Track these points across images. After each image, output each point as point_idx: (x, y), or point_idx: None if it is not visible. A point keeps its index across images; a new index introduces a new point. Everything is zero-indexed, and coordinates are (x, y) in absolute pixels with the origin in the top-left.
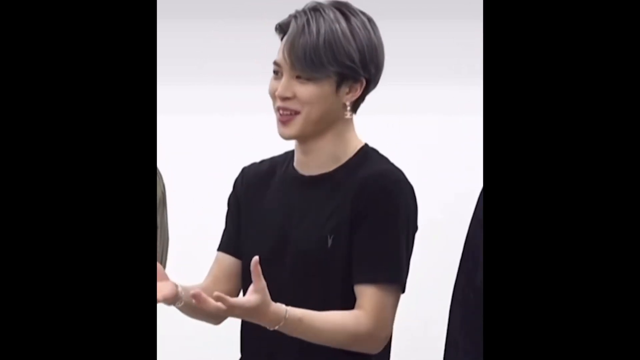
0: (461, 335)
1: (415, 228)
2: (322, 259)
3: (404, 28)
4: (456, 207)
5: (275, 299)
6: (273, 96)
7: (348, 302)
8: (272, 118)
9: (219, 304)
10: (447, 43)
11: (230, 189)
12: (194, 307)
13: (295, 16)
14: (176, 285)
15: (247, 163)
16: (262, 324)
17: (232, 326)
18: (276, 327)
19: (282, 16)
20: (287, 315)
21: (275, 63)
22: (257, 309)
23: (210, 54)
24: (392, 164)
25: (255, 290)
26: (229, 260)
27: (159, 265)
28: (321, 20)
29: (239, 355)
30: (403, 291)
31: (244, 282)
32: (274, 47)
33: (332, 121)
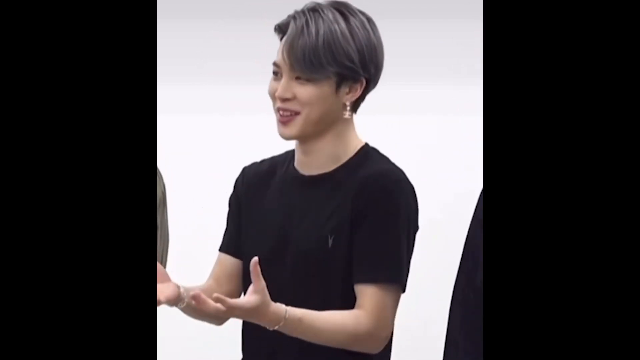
0: (461, 335)
1: (416, 228)
2: (323, 259)
3: (404, 28)
4: (456, 207)
5: (275, 299)
6: (273, 97)
7: (348, 302)
8: (272, 118)
9: (219, 305)
10: (447, 43)
11: (230, 189)
12: (195, 308)
13: (294, 17)
14: (178, 287)
15: (247, 163)
16: (262, 324)
17: (234, 327)
18: (276, 327)
19: (282, 16)
20: (287, 315)
21: (274, 64)
22: (257, 309)
23: (210, 54)
24: (393, 164)
25: (255, 291)
26: (230, 260)
27: (160, 266)
28: (320, 21)
29: (240, 356)
30: (403, 291)
31: (245, 282)
32: (274, 47)
33: (332, 121)
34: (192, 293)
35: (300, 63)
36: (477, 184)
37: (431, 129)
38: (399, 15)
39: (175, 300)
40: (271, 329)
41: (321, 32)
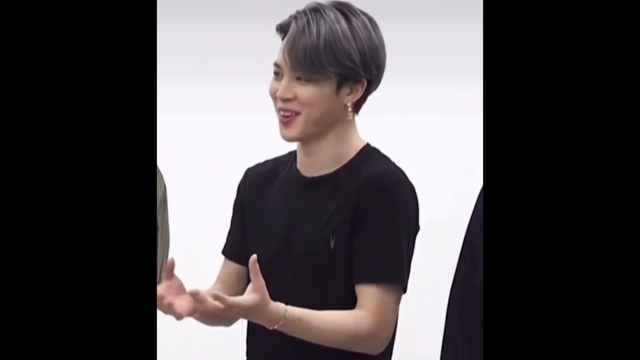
0: (459, 334)
1: (417, 228)
2: (325, 260)
3: (404, 28)
4: (456, 207)
5: (277, 299)
6: (274, 97)
7: (350, 303)
8: (272, 118)
9: (217, 303)
10: (447, 43)
11: (230, 189)
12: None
13: (295, 17)
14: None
15: (247, 163)
16: (261, 323)
17: (234, 326)
18: (275, 327)
19: (282, 16)
20: (286, 315)
21: (275, 64)
22: (256, 308)
23: (210, 54)
24: (394, 164)
25: (254, 289)
26: (234, 265)
27: (177, 277)
28: (322, 21)
29: (241, 356)
30: (405, 291)
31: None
32: (274, 47)
33: (333, 122)
34: (190, 290)
35: (301, 63)
36: (477, 184)
37: (431, 129)
38: (399, 15)
39: (193, 311)
40: (270, 328)
41: (322, 32)
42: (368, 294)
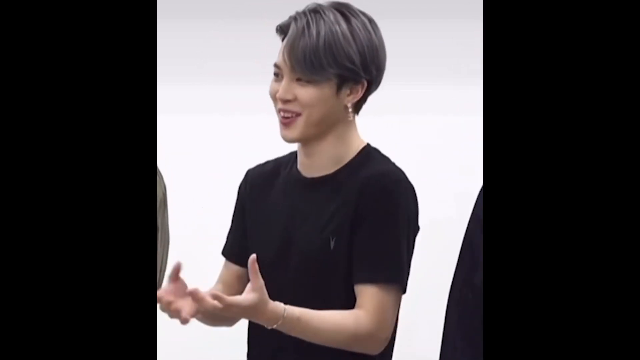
0: (458, 334)
1: (417, 229)
2: (325, 261)
3: (404, 28)
4: (456, 207)
5: (278, 300)
6: (274, 98)
7: (350, 304)
8: (272, 118)
9: (216, 302)
10: (447, 43)
11: (230, 189)
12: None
13: (295, 18)
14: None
15: (247, 163)
16: (260, 323)
17: (234, 327)
18: (274, 326)
19: (282, 16)
20: (285, 314)
21: (275, 65)
22: (255, 307)
23: (210, 54)
24: (394, 164)
25: (253, 289)
26: (235, 266)
27: (182, 279)
28: (321, 22)
29: (240, 355)
30: (404, 291)
31: None
32: (274, 47)
33: (333, 123)
34: (188, 289)
35: (301, 64)
36: (477, 184)
37: (431, 129)
38: (399, 15)
39: (196, 312)
40: (269, 327)
41: (322, 33)
42: (368, 294)
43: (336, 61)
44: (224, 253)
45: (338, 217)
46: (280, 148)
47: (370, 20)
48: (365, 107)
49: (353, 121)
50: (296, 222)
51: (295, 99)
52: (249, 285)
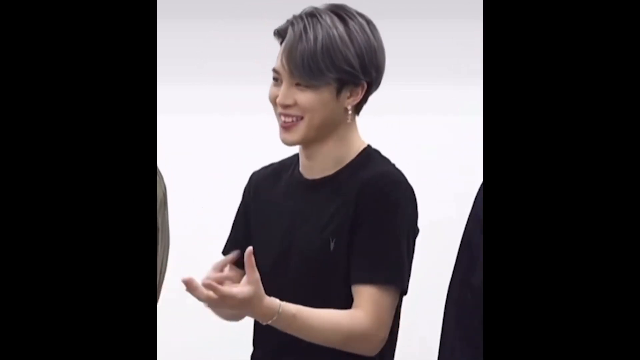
0: (456, 335)
1: (416, 231)
2: (325, 262)
3: (404, 28)
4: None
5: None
6: (274, 103)
7: (350, 304)
8: (272, 118)
9: (210, 292)
10: (447, 43)
11: (230, 189)
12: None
13: (292, 22)
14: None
15: (247, 163)
16: (255, 318)
17: (234, 326)
18: (269, 322)
19: (282, 16)
20: (280, 310)
21: (274, 70)
22: (250, 300)
23: (210, 54)
24: (393, 166)
25: (249, 282)
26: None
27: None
28: (318, 26)
29: (240, 355)
30: (405, 293)
31: None
32: (274, 47)
33: (334, 125)
34: (183, 278)
35: (300, 69)
36: (477, 184)
37: (431, 129)
38: (399, 15)
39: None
40: (264, 323)
41: (319, 37)
42: (365, 294)
43: (335, 65)
44: (224, 253)
45: (338, 217)
46: (280, 148)
47: (368, 22)
48: (365, 108)
49: (353, 122)
50: (297, 223)
51: (295, 104)
52: (244, 278)
